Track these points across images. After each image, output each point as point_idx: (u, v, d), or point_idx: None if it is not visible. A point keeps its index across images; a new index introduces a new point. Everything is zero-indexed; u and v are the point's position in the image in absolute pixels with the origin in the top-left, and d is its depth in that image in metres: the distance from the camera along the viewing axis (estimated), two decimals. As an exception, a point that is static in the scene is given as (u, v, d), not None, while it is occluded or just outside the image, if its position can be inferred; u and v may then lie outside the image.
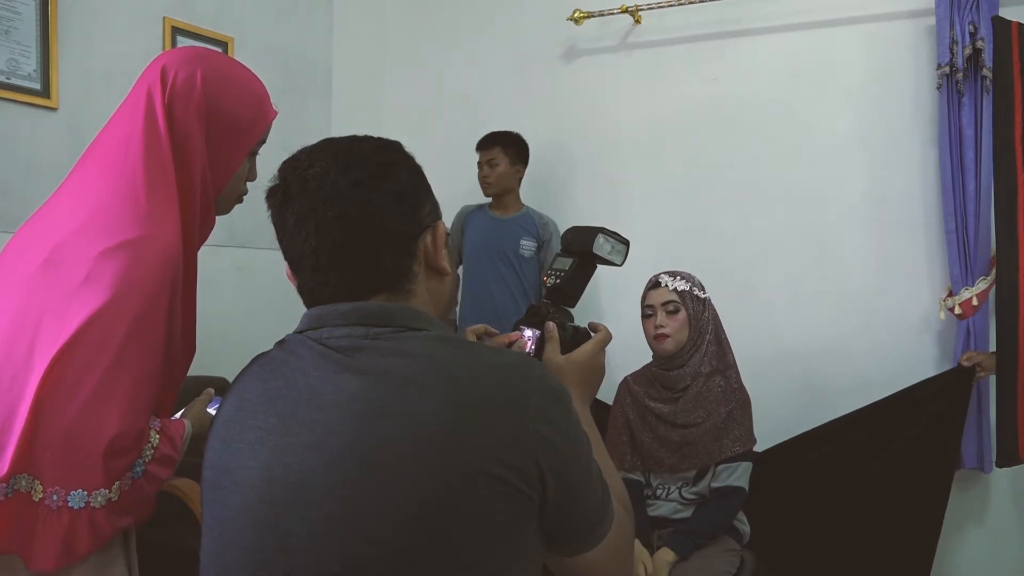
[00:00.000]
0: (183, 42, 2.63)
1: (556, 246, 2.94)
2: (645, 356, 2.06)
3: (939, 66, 2.42)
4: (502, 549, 0.74)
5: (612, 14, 2.98)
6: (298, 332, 0.84)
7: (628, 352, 2.09)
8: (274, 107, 1.24)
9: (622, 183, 3.04)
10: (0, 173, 2.14)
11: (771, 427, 2.22)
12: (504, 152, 2.84)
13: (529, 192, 3.02)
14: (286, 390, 0.79)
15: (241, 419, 0.81)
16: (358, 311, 0.81)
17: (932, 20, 2.47)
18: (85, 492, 0.99)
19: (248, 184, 1.24)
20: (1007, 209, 1.23)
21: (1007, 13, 2.19)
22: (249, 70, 1.23)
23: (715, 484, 1.85)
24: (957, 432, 2.07)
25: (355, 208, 0.80)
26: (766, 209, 2.78)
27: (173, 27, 2.61)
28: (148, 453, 1.06)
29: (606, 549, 0.82)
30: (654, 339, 1.90)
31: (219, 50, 2.63)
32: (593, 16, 3.01)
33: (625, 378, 2.05)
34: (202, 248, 1.20)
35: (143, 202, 1.07)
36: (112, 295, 1.01)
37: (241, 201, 1.24)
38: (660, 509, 1.89)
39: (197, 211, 1.14)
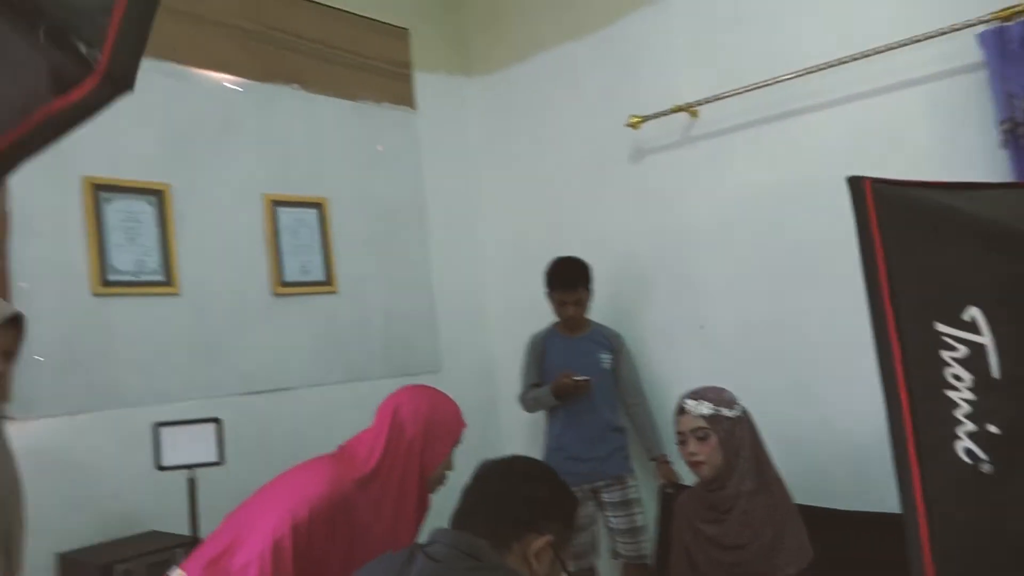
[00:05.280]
0: (282, 212, 3.01)
1: (628, 356, 3.01)
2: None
3: (1000, 122, 2.29)
4: None
5: (665, 115, 3.06)
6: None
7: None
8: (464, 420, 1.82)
9: (698, 280, 3.06)
10: (136, 354, 2.56)
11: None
12: (586, 288, 2.98)
13: (608, 299, 3.12)
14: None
15: None
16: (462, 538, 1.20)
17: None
18: None
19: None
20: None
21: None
22: (449, 397, 1.84)
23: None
24: None
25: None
26: (844, 288, 2.68)
27: (272, 200, 3.00)
28: None
29: None
30: (689, 466, 1.92)
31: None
32: (648, 119, 3.11)
33: (679, 497, 2.06)
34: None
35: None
36: None
37: (444, 484, 1.76)
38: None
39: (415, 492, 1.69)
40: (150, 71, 2.67)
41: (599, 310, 3.26)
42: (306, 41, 3.22)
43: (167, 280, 2.66)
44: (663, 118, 3.08)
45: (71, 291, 2.43)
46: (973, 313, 0.98)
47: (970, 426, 0.97)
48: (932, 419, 0.99)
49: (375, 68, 3.47)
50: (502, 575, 1.16)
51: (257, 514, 1.50)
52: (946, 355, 0.99)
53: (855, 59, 2.57)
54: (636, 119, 3.13)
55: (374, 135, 3.40)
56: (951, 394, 0.98)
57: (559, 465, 2.93)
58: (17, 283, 2.32)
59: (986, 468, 0.97)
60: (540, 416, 3.16)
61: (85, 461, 2.38)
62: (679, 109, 3.02)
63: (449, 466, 1.78)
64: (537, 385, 3.04)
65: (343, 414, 3.07)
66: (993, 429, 0.96)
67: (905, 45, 2.49)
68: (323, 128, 3.21)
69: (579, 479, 2.92)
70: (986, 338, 0.97)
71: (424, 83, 3.66)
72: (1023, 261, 0.97)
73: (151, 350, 2.59)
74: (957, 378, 0.98)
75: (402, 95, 3.57)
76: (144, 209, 2.63)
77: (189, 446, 2.07)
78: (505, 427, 3.65)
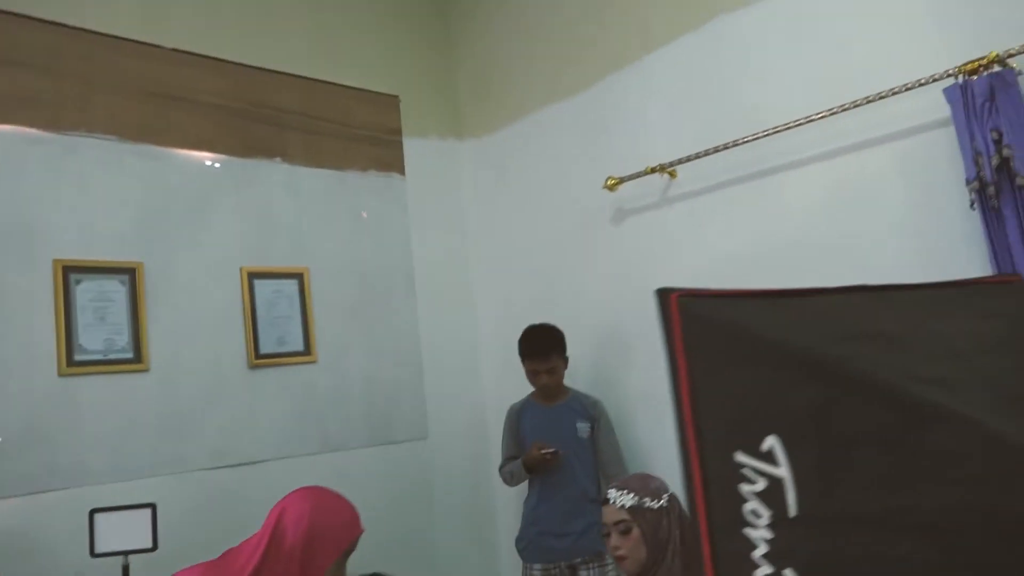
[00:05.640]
0: (260, 284, 3.05)
1: (607, 424, 2.90)
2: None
3: (967, 182, 2.15)
4: None
5: (640, 176, 3.00)
6: None
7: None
8: (361, 526, 1.75)
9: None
10: (103, 432, 2.60)
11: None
12: (560, 355, 2.91)
13: (592, 365, 3.04)
14: None
15: None
16: None
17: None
18: None
19: None
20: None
21: None
22: (344, 500, 1.77)
23: None
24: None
25: None
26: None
27: (249, 273, 3.05)
28: None
29: None
30: (615, 560, 1.82)
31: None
32: (625, 180, 3.05)
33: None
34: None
35: None
36: None
37: None
38: None
39: None
40: (126, 153, 2.78)
41: (582, 376, 3.18)
42: (291, 115, 3.29)
43: (136, 357, 2.71)
44: (643, 179, 3.02)
45: (37, 372, 2.49)
46: (772, 443, 0.89)
47: (767, 569, 0.87)
48: (731, 561, 0.89)
49: (363, 137, 3.52)
50: None
51: None
52: (745, 489, 0.89)
53: (825, 116, 2.47)
54: (613, 181, 3.07)
55: (359, 202, 3.43)
56: (749, 532, 0.88)
57: (533, 541, 2.86)
58: (-19, 366, 2.39)
59: (782, 618, 0.87)
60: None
61: (44, 542, 2.41)
62: (653, 170, 2.95)
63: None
64: (514, 458, 2.96)
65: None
66: (789, 573, 0.87)
67: (872, 101, 2.38)
68: (305, 199, 3.26)
69: (555, 555, 2.82)
70: (783, 471, 0.88)
71: (413, 148, 3.69)
72: (824, 386, 0.87)
73: (118, 427, 2.63)
74: (756, 514, 0.88)
75: (390, 161, 3.60)
76: (115, 288, 2.69)
77: (124, 532, 2.08)
78: (499, 495, 3.57)
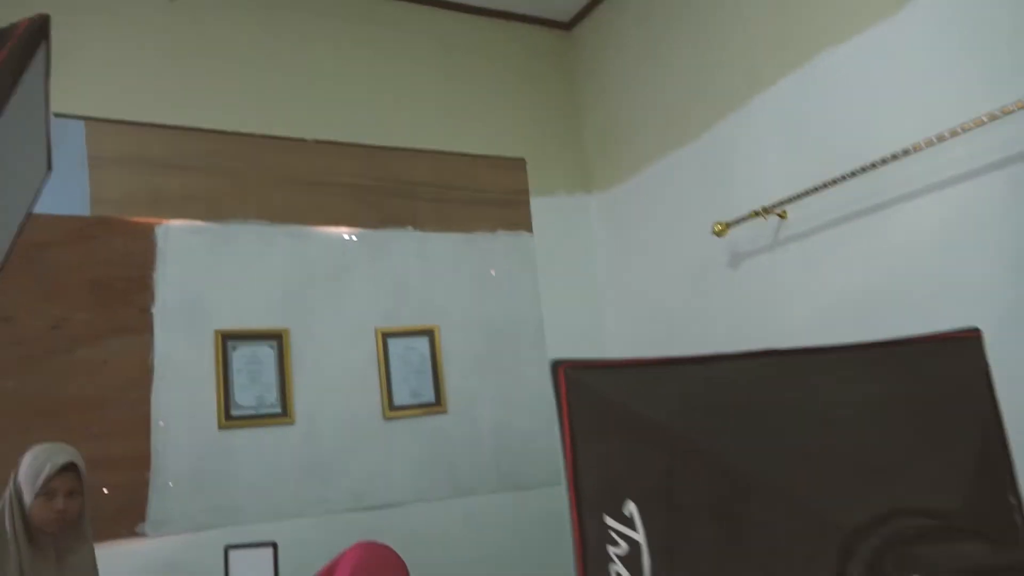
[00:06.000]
0: (393, 342, 3.35)
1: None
2: None
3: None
4: None
5: (745, 220, 2.94)
6: None
7: None
8: None
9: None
10: (255, 477, 2.98)
11: None
12: None
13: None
14: None
15: None
16: None
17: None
18: None
19: None
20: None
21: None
22: (400, 561, 1.91)
23: None
24: None
25: None
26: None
27: (384, 333, 3.36)
28: None
29: None
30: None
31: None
32: (732, 225, 3.01)
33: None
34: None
35: None
36: None
37: None
38: None
39: None
40: (275, 234, 3.20)
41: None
42: (421, 186, 3.61)
43: (284, 411, 3.09)
44: (755, 222, 2.97)
45: (200, 426, 2.93)
46: (631, 508, 0.92)
47: (626, 633, 0.90)
48: (601, 620, 0.93)
49: (491, 199, 3.76)
50: None
51: None
52: (612, 551, 0.93)
53: (934, 143, 2.32)
54: (720, 226, 3.04)
55: (487, 261, 3.65)
56: (615, 594, 0.93)
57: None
58: (157, 422, 2.87)
59: None
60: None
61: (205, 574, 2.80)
62: (757, 214, 2.90)
63: None
64: None
65: (449, 528, 3.26)
66: (642, 639, 0.89)
67: (980, 126, 2.20)
68: (436, 262, 3.54)
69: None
70: (640, 535, 0.91)
71: (541, 206, 3.86)
72: (669, 456, 0.89)
73: (268, 473, 3.00)
74: (620, 576, 0.92)
75: (518, 221, 3.80)
76: (265, 352, 3.10)
77: (254, 567, 2.39)
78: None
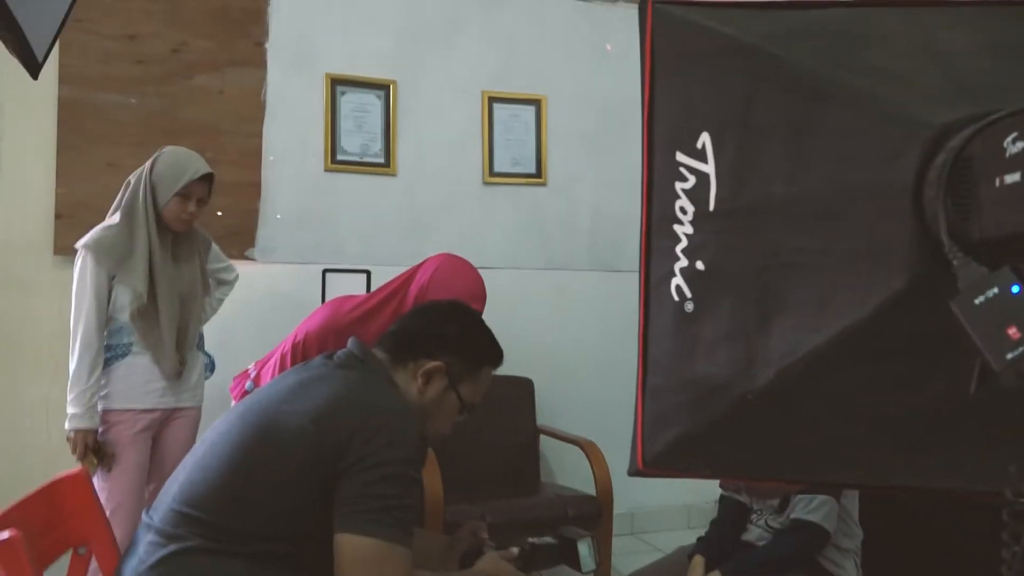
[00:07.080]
0: (499, 107, 3.29)
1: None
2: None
3: None
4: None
5: None
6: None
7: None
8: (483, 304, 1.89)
9: None
10: (359, 224, 3.10)
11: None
12: None
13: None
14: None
15: None
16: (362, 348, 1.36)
17: None
18: None
19: None
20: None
21: None
22: (477, 275, 1.98)
23: (792, 516, 1.66)
24: None
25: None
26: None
27: (490, 97, 3.30)
28: None
29: (357, 550, 1.11)
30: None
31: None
32: None
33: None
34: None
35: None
36: None
37: None
38: (750, 534, 1.76)
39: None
40: (388, -19, 3.11)
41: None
42: (544, -55, 3.39)
43: (387, 163, 3.14)
44: None
45: (307, 166, 3.02)
46: (704, 139, 0.86)
47: (684, 262, 0.87)
48: (660, 255, 0.90)
49: (615, -33, 3.50)
50: (363, 375, 1.31)
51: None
52: (679, 187, 0.89)
53: None
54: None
55: (603, 34, 3.46)
56: (676, 228, 0.88)
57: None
58: (267, 156, 2.97)
59: (688, 307, 0.86)
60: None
61: (306, 303, 2.99)
62: None
63: None
64: None
65: (539, 297, 3.33)
66: (700, 266, 0.86)
67: None
68: (549, 27, 3.38)
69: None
70: (710, 166, 0.85)
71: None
72: (752, 78, 0.82)
73: (368, 220, 3.11)
74: (683, 211, 0.88)
75: (642, -7, 3.54)
76: (372, 101, 3.12)
77: (347, 289, 2.52)
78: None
